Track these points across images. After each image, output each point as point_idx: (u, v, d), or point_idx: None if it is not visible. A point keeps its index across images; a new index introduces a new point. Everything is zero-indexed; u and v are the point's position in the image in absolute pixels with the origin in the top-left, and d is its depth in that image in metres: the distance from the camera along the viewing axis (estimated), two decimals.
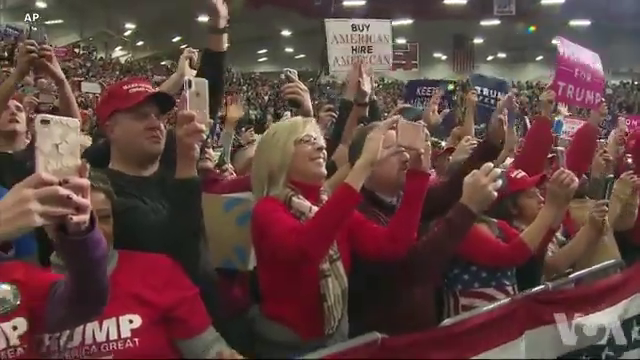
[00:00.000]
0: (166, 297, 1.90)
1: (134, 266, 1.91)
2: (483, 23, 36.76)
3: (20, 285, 1.66)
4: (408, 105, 4.47)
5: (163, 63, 37.85)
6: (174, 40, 39.29)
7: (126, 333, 1.80)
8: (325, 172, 2.32)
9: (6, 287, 1.63)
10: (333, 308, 2.19)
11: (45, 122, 1.27)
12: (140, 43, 40.71)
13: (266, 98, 28.61)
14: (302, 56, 40.03)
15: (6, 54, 19.52)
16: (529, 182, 3.29)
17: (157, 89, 2.61)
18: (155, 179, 2.30)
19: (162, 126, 2.31)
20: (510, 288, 2.89)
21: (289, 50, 42.52)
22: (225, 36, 2.56)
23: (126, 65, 33.06)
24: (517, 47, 37.68)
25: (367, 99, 3.16)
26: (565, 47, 4.11)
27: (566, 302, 2.96)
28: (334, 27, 3.82)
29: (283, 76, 3.12)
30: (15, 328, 1.61)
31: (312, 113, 2.87)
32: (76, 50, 30.09)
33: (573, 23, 32.43)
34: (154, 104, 2.29)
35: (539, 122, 4.02)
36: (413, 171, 2.28)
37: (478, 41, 39.25)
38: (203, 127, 1.94)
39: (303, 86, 2.98)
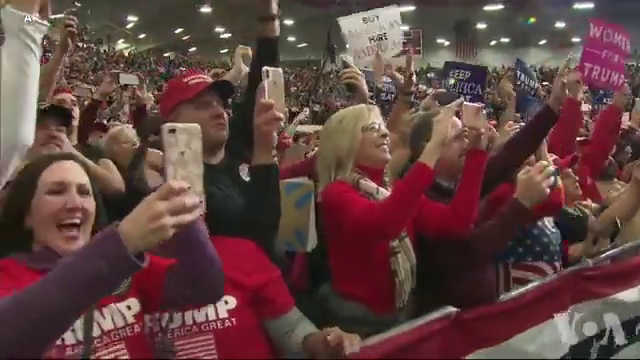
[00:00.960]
0: (255, 279, 1.98)
1: (221, 250, 1.96)
2: (486, 8, 36.66)
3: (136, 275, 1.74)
4: (443, 90, 4.54)
5: (166, 55, 37.90)
6: (176, 32, 39.31)
7: (223, 313, 1.88)
8: (389, 157, 2.45)
9: None
10: (404, 282, 2.34)
11: (172, 131, 1.32)
12: (142, 35, 40.73)
13: None
14: (304, 45, 39.99)
15: None
16: (563, 164, 3.42)
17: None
18: (222, 166, 2.38)
19: (225, 113, 2.39)
20: (557, 263, 3.01)
21: (291, 39, 42.48)
22: (277, 22, 2.54)
23: (130, 57, 33.07)
24: (520, 32, 37.54)
25: (413, 87, 3.28)
26: (597, 29, 4.19)
27: (604, 277, 3.11)
28: (347, 24, 3.91)
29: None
30: (129, 308, 1.71)
31: (368, 98, 2.98)
32: (80, 44, 30.08)
33: (577, 6, 32.32)
34: (215, 93, 2.36)
35: (568, 103, 4.12)
36: (472, 150, 2.42)
37: (481, 26, 39.17)
38: (281, 115, 2.03)
39: (359, 72, 3.08)
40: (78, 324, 1.57)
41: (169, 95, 2.49)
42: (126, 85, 5.75)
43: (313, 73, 31.43)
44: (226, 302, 1.90)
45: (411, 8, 34.53)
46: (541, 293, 2.66)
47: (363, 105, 2.59)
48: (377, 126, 2.42)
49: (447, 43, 40.48)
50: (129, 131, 3.99)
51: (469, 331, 2.24)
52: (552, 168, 2.41)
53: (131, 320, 1.69)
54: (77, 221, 1.64)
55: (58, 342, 1.50)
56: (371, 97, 3.55)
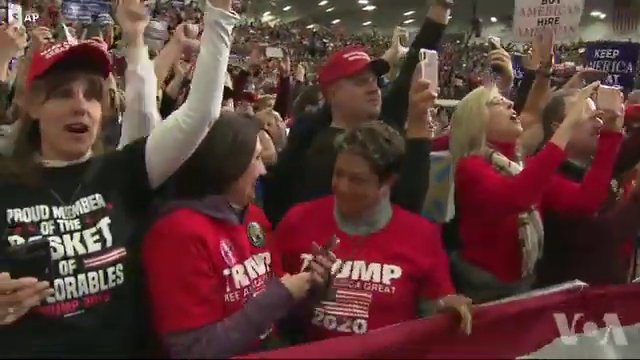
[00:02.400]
0: (426, 260, 2.11)
1: (404, 225, 2.18)
2: None
3: (269, 231, 2.06)
4: (590, 69, 4.42)
5: (309, 27, 38.70)
6: (320, 4, 39.88)
7: (386, 280, 2.06)
8: (520, 128, 2.58)
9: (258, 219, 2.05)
10: (531, 252, 2.48)
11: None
12: (287, 8, 41.83)
13: None
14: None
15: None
16: None
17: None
18: None
19: (379, 90, 2.60)
20: None
21: None
22: (448, 10, 2.76)
23: (275, 30, 34.19)
24: None
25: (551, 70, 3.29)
26: None
27: None
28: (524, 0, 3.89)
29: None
30: (265, 259, 1.99)
31: (513, 80, 3.07)
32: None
33: None
34: (371, 70, 2.60)
35: None
36: (607, 132, 2.47)
37: None
38: (435, 93, 2.23)
39: (506, 53, 3.20)
40: (250, 270, 1.90)
41: (330, 69, 2.75)
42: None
43: (456, 47, 30.70)
44: (392, 271, 2.08)
45: None
46: None
47: (480, 87, 2.73)
48: (500, 99, 2.55)
49: (603, 16, 37.50)
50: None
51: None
52: None
53: (268, 269, 1.98)
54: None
55: (237, 286, 1.83)
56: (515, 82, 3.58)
